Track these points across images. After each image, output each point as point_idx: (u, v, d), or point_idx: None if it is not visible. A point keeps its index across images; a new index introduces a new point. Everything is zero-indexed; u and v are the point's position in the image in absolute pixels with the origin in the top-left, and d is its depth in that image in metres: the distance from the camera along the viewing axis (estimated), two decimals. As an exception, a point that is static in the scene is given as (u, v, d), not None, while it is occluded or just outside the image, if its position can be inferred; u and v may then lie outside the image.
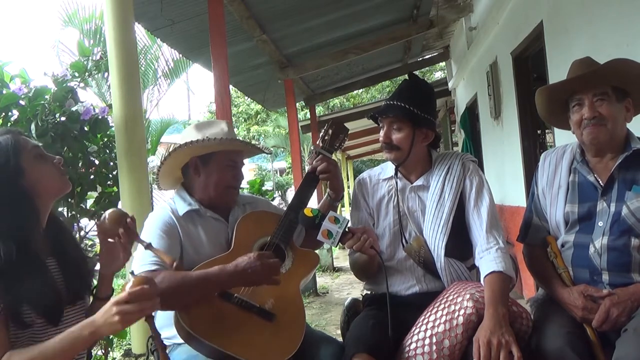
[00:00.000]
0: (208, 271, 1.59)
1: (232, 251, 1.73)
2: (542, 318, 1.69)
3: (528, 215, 1.90)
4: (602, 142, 1.68)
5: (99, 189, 2.95)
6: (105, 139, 2.99)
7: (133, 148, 2.36)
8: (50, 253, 1.43)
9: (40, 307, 1.28)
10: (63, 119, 2.74)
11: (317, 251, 1.93)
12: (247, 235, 1.79)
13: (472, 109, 6.87)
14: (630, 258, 1.63)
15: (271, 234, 1.79)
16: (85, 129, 2.84)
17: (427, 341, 1.58)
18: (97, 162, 2.95)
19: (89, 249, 3.05)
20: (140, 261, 1.61)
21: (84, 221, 3.02)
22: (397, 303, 1.73)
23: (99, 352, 2.99)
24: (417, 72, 3.33)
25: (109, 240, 1.44)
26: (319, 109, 15.22)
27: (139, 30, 5.63)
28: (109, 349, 3.13)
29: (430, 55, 9.14)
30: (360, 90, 17.27)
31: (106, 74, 2.77)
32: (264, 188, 8.07)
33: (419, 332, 1.62)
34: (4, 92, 2.74)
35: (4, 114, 2.73)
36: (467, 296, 1.62)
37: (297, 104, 7.76)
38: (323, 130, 1.97)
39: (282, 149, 21.18)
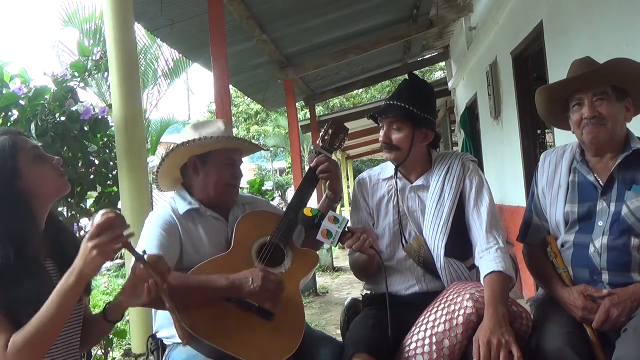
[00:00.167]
0: (210, 278, 1.59)
1: (231, 251, 1.74)
2: (542, 318, 1.69)
3: (528, 215, 1.90)
4: (602, 141, 1.68)
5: (99, 189, 2.95)
6: (105, 139, 2.99)
7: (133, 148, 2.36)
8: (49, 254, 1.42)
9: (39, 309, 1.27)
10: (63, 119, 2.75)
11: (317, 251, 1.93)
12: (247, 235, 1.79)
13: (472, 109, 6.87)
14: (630, 258, 1.63)
15: (271, 233, 1.79)
16: (85, 129, 2.84)
17: (427, 341, 1.58)
18: (97, 162, 2.95)
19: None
20: None
21: (84, 221, 3.02)
22: (397, 303, 1.73)
23: (99, 352, 2.99)
24: (417, 72, 3.34)
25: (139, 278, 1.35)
26: (319, 109, 15.22)
27: (139, 30, 5.64)
28: (109, 349, 3.13)
29: (430, 55, 9.14)
30: (360, 90, 17.27)
31: (106, 74, 2.77)
32: (264, 188, 8.08)
33: (419, 332, 1.62)
34: (4, 92, 2.74)
35: (4, 114, 2.73)
36: (467, 296, 1.62)
37: (297, 104, 7.76)
38: (323, 130, 1.97)
39: (282, 149, 21.19)
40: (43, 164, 1.42)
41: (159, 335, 1.78)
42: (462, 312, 1.60)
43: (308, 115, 9.52)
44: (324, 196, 1.98)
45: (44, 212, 1.43)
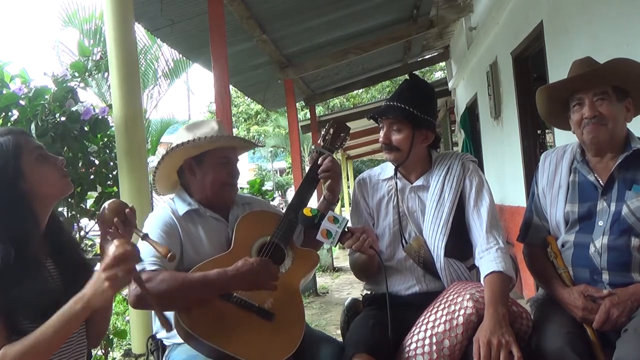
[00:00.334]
0: (208, 274, 1.59)
1: (231, 251, 1.74)
2: (542, 318, 1.69)
3: (528, 215, 1.90)
4: (602, 141, 1.68)
5: (99, 189, 2.95)
6: (105, 139, 2.98)
7: (133, 148, 2.36)
8: (49, 254, 1.42)
9: (38, 309, 1.27)
10: (63, 119, 2.74)
11: (316, 251, 1.93)
12: (247, 234, 1.79)
13: (472, 109, 6.87)
14: (631, 257, 1.63)
15: (271, 233, 1.79)
16: (85, 129, 2.84)
17: (427, 341, 1.58)
18: (97, 162, 2.95)
19: (89, 249, 3.05)
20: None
21: (84, 221, 3.02)
22: (397, 303, 1.73)
23: (99, 352, 2.99)
24: (417, 72, 3.33)
25: (109, 230, 1.41)
26: (319, 109, 15.22)
27: (139, 30, 5.63)
28: (109, 349, 3.13)
29: (430, 55, 9.14)
30: (360, 90, 17.27)
31: (106, 74, 2.76)
32: (264, 188, 8.06)
33: (419, 332, 1.62)
34: (4, 92, 2.74)
35: (4, 114, 2.73)
36: (467, 296, 1.62)
37: (297, 104, 7.76)
38: (324, 129, 1.97)
39: (282, 149, 21.19)
40: (46, 165, 1.41)
41: (158, 336, 1.78)
42: (462, 312, 1.60)
43: (308, 115, 9.52)
44: (322, 197, 1.97)
45: (46, 212, 1.43)
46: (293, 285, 1.74)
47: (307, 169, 1.97)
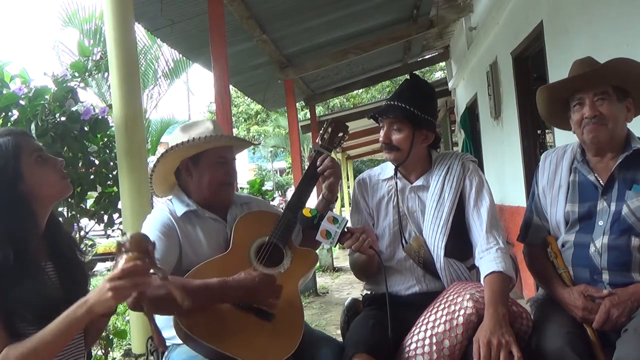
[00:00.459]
0: (209, 283, 1.57)
1: (230, 251, 1.73)
2: (542, 318, 1.69)
3: (528, 215, 1.90)
4: (602, 141, 1.68)
5: (99, 189, 2.95)
6: (105, 139, 2.98)
7: (133, 148, 2.36)
8: (47, 256, 1.42)
9: (37, 311, 1.27)
10: (63, 119, 2.74)
11: (317, 251, 1.92)
12: (245, 235, 1.78)
13: (472, 109, 6.87)
14: (631, 257, 1.63)
15: (269, 233, 1.79)
16: (85, 129, 2.84)
17: (427, 341, 1.58)
18: (97, 162, 2.95)
19: (89, 249, 3.05)
20: None
21: (84, 221, 3.02)
22: (397, 303, 1.73)
23: (99, 352, 2.99)
24: (417, 72, 3.33)
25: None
26: (319, 109, 15.22)
27: (139, 30, 5.64)
28: (109, 349, 3.13)
29: (430, 55, 9.15)
30: (360, 90, 17.27)
31: (106, 74, 2.76)
32: (264, 188, 8.07)
33: (419, 332, 1.62)
34: (4, 92, 2.73)
35: (4, 114, 2.73)
36: (467, 296, 1.62)
37: (297, 104, 7.76)
38: (322, 128, 1.96)
39: (282, 149, 21.19)
40: (45, 166, 1.41)
41: (158, 336, 1.77)
42: (462, 312, 1.60)
43: (308, 115, 9.52)
44: (320, 196, 1.96)
45: (45, 213, 1.43)
46: (292, 285, 1.73)
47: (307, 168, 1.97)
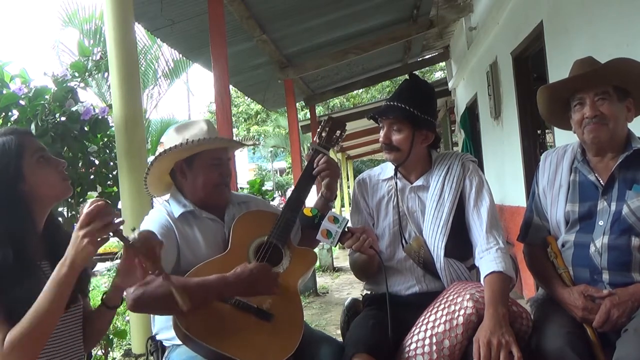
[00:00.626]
0: (207, 280, 1.57)
1: (228, 252, 1.73)
2: (542, 318, 1.69)
3: (528, 215, 1.90)
4: (603, 141, 1.68)
5: (99, 189, 2.95)
6: (105, 139, 2.98)
7: (133, 148, 2.36)
8: (45, 255, 1.42)
9: None
10: (63, 119, 2.74)
11: (317, 251, 1.92)
12: (243, 235, 1.77)
13: (472, 109, 6.87)
14: (631, 257, 1.63)
15: (268, 233, 1.78)
16: (85, 129, 2.84)
17: (427, 341, 1.58)
18: (97, 162, 2.95)
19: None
20: None
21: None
22: (397, 303, 1.73)
23: (99, 352, 2.99)
24: (417, 72, 3.33)
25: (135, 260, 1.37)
26: (319, 109, 15.23)
27: (139, 30, 5.63)
28: (109, 349, 3.13)
29: (430, 55, 9.14)
30: (360, 90, 17.27)
31: (106, 74, 2.77)
32: (264, 188, 8.07)
33: (419, 332, 1.62)
34: (4, 92, 2.74)
35: (4, 114, 2.73)
36: (467, 296, 1.62)
37: (297, 104, 7.76)
38: (320, 127, 1.96)
39: (282, 149, 21.18)
40: (47, 167, 1.41)
41: (158, 337, 1.77)
42: (462, 312, 1.60)
43: (308, 115, 9.52)
44: (319, 194, 1.96)
45: (44, 214, 1.43)
46: (291, 285, 1.73)
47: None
